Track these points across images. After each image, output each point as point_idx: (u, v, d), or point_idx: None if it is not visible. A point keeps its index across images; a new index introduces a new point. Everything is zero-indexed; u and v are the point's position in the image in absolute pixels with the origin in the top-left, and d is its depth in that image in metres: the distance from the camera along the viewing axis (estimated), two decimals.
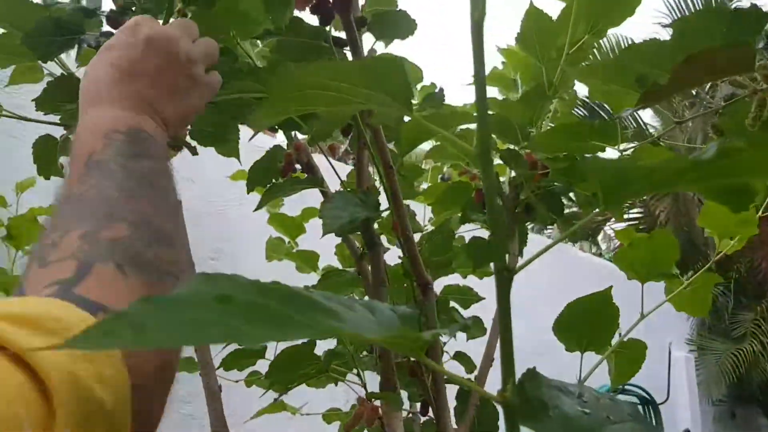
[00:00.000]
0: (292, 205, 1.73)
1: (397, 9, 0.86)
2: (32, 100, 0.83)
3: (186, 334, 0.30)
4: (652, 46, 0.77)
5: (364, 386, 0.79)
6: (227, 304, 0.32)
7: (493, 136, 1.23)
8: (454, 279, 1.46)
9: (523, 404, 0.47)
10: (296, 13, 0.81)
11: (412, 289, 0.87)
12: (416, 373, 0.92)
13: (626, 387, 3.77)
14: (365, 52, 0.95)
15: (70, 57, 0.94)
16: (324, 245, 1.78)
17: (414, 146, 0.82)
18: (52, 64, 0.96)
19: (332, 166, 0.97)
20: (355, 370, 0.89)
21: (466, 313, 1.40)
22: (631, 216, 8.44)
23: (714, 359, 6.67)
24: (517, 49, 1.56)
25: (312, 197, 2.18)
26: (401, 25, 0.86)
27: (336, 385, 1.10)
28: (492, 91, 1.58)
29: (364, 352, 0.89)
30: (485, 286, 1.33)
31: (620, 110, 1.15)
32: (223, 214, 2.14)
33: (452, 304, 1.45)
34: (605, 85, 0.91)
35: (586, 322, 1.00)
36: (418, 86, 1.42)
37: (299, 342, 0.91)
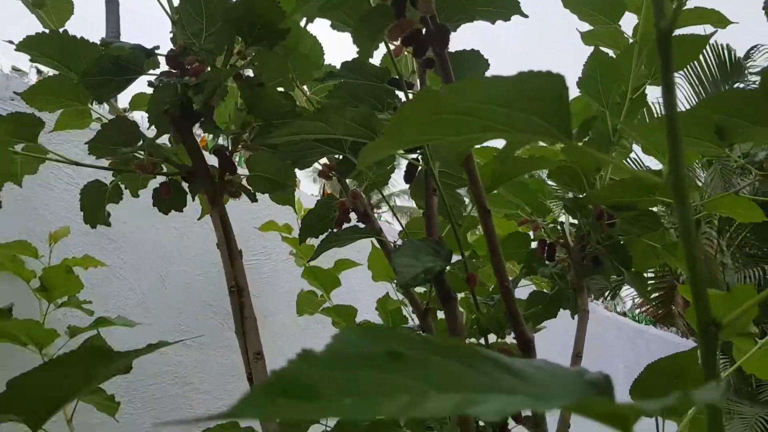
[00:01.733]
0: (323, 257, 1.67)
1: (470, 49, 0.82)
2: (85, 143, 0.78)
3: (368, 401, 0.24)
4: (736, 95, 0.72)
5: None
6: (399, 359, 0.26)
7: (552, 184, 1.18)
8: None
9: None
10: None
11: (487, 344, 0.80)
12: None
13: None
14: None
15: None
16: (359, 301, 1.70)
17: (496, 186, 0.76)
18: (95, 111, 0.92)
19: (393, 213, 0.91)
20: None
21: None
22: (648, 275, 8.30)
23: (742, 425, 6.43)
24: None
25: (343, 249, 2.12)
26: (473, 65, 0.82)
27: None
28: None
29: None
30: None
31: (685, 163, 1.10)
32: (252, 267, 2.07)
33: None
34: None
35: (670, 385, 0.92)
36: None
37: None
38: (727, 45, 7.90)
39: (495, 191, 1.18)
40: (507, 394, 0.25)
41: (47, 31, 0.78)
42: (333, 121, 0.74)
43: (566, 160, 1.07)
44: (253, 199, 0.87)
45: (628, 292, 8.70)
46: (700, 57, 7.96)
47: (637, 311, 7.17)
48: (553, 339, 1.75)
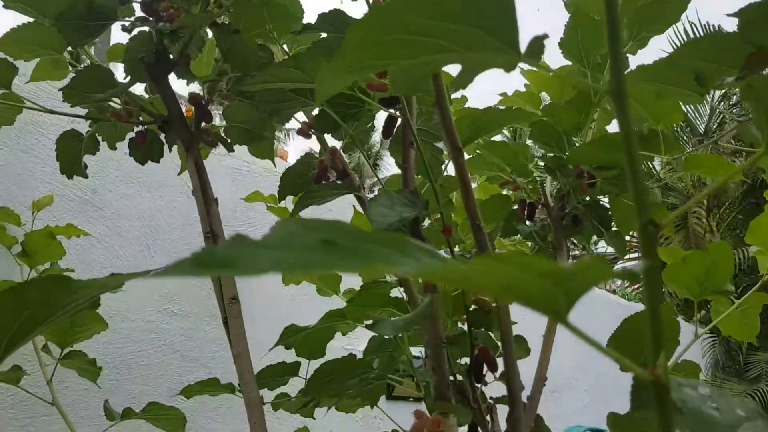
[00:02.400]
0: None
1: None
2: (59, 89, 0.77)
3: (295, 266, 0.24)
4: (714, 40, 0.72)
5: (422, 392, 0.71)
6: (330, 246, 0.27)
7: (533, 144, 1.18)
8: None
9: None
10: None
11: (463, 296, 0.80)
12: (463, 392, 0.84)
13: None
14: None
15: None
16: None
17: (467, 141, 0.76)
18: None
19: (372, 169, 0.91)
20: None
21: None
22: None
23: None
24: (539, 72, 1.52)
25: (328, 216, 2.13)
26: None
27: (372, 407, 1.02)
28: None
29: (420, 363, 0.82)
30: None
31: (668, 121, 1.10)
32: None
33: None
34: (657, 86, 0.85)
35: (643, 337, 0.93)
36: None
37: (339, 357, 0.83)
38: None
39: (477, 153, 1.18)
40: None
41: None
42: (309, 69, 0.74)
43: (546, 119, 1.07)
44: (230, 149, 0.87)
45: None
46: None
47: (628, 289, 7.23)
48: None
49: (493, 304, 0.79)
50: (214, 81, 0.80)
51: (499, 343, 0.86)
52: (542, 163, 1.09)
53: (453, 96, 1.41)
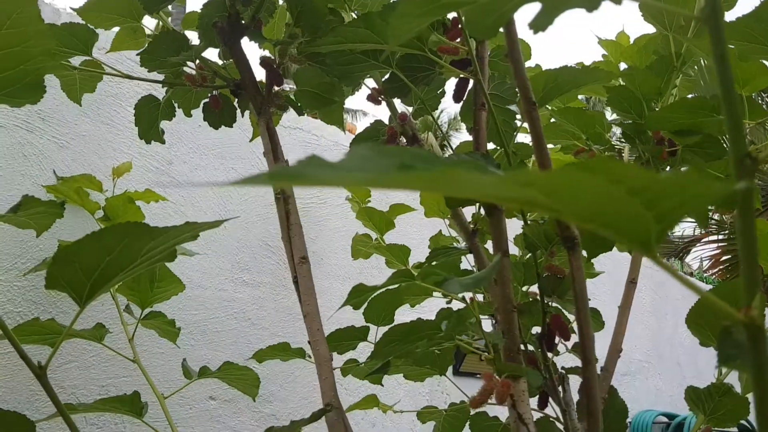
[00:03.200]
0: (377, 201, 1.67)
1: None
2: (137, 54, 0.79)
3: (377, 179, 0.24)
4: None
5: (492, 352, 0.70)
6: (408, 170, 0.26)
7: (612, 112, 1.14)
8: None
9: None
10: None
11: (535, 263, 0.78)
12: (534, 362, 0.82)
13: None
14: None
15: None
16: (413, 245, 1.70)
17: (548, 100, 0.74)
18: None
19: (434, 135, 0.90)
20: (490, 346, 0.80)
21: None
22: (720, 237, 8.06)
23: None
24: (617, 40, 1.46)
25: (400, 194, 2.11)
26: None
27: (441, 375, 1.01)
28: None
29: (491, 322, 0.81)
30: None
31: (754, 86, 1.03)
32: (307, 212, 2.10)
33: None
34: (740, 45, 0.80)
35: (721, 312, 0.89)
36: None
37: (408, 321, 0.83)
38: None
39: (552, 120, 1.15)
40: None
41: None
42: (379, 29, 0.73)
43: (624, 85, 1.03)
44: (300, 113, 0.87)
45: (696, 255, 8.46)
46: None
47: (706, 274, 6.96)
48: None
49: (566, 270, 0.76)
50: (285, 44, 0.80)
51: (571, 316, 0.84)
52: (621, 130, 1.05)
53: (527, 65, 1.38)
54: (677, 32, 1.05)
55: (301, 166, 0.24)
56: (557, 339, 0.79)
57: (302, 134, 2.10)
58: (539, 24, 0.43)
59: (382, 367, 0.94)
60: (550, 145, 1.32)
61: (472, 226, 0.88)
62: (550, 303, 0.80)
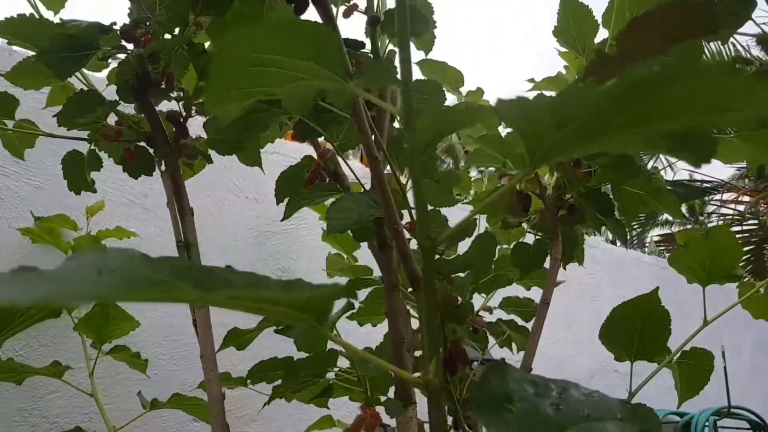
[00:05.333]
0: None
1: (412, 6, 0.83)
2: (53, 116, 0.86)
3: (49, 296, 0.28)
4: None
5: (366, 392, 0.75)
6: (105, 275, 0.31)
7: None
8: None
9: (483, 396, 0.43)
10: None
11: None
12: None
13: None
14: (384, 54, 0.93)
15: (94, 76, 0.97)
16: None
17: (431, 143, 0.78)
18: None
19: (354, 174, 0.95)
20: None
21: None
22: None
23: None
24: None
25: None
26: (415, 23, 0.84)
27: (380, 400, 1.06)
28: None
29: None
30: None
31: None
32: (289, 232, 2.16)
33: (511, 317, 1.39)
34: None
35: (634, 328, 0.92)
36: (463, 91, 1.39)
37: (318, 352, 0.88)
38: None
39: (477, 146, 1.19)
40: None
41: (18, 14, 0.86)
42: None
43: None
44: (209, 161, 0.93)
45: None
46: None
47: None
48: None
49: (459, 298, 0.81)
50: (190, 99, 0.86)
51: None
52: None
53: (466, 90, 1.42)
54: (589, 56, 1.08)
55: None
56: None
57: (280, 158, 2.16)
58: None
59: (324, 392, 0.99)
60: (473, 173, 1.36)
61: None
62: (453, 330, 0.84)
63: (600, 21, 1.13)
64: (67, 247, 1.49)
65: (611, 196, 1.10)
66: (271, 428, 1.92)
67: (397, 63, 0.54)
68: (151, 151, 0.91)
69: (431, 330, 0.35)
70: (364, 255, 1.73)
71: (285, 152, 2.18)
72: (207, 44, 0.92)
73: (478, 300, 1.36)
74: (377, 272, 1.64)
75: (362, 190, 1.05)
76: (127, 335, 1.33)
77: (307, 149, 2.19)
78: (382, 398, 1.01)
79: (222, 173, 1.95)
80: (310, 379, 0.77)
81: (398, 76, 0.41)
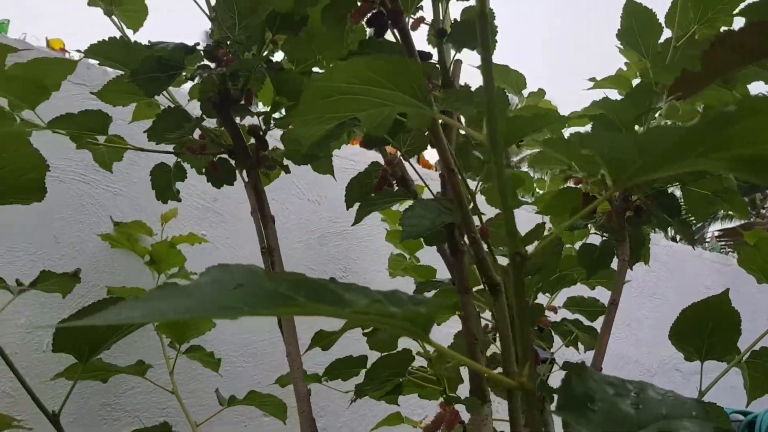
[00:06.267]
0: None
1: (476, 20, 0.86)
2: (143, 132, 0.92)
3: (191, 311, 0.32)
4: None
5: (444, 392, 0.78)
6: (240, 289, 0.34)
7: None
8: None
9: (567, 397, 0.46)
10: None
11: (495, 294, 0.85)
12: None
13: None
14: (449, 62, 0.96)
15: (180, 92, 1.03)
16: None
17: (508, 145, 0.81)
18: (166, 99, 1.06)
19: (421, 177, 0.98)
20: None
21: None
22: None
23: None
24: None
25: None
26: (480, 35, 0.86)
27: (443, 396, 1.09)
28: (612, 94, 1.52)
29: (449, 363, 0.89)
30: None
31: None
32: (350, 233, 2.21)
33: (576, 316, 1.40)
34: None
35: (704, 329, 0.93)
36: (525, 92, 1.40)
37: (394, 351, 0.92)
38: None
39: (542, 149, 1.20)
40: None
41: (109, 37, 0.92)
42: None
43: (604, 114, 1.08)
44: (287, 171, 0.97)
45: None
46: None
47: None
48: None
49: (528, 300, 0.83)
50: (268, 113, 0.91)
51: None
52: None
53: (528, 92, 1.44)
54: (655, 60, 1.09)
55: (155, 293, 0.33)
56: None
57: (339, 161, 2.21)
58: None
59: (395, 390, 1.03)
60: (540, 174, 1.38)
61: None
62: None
63: (663, 22, 1.13)
64: (144, 252, 1.57)
65: (677, 196, 1.10)
66: (338, 423, 1.98)
67: (459, 77, 0.57)
68: (232, 162, 0.96)
69: (524, 336, 0.38)
70: (426, 255, 1.77)
71: (344, 156, 2.23)
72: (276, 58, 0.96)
73: (541, 299, 1.38)
74: (441, 273, 1.68)
75: (424, 191, 1.09)
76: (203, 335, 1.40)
77: (363, 152, 2.23)
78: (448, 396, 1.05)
79: (285, 177, 2.00)
80: (393, 378, 0.82)
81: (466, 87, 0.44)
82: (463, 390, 1.08)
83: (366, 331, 0.89)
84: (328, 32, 0.76)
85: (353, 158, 2.27)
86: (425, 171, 1.53)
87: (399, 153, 1.06)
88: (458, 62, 0.99)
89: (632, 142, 0.32)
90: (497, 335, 0.99)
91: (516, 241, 0.38)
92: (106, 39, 0.92)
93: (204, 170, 0.99)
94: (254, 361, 1.86)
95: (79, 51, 0.91)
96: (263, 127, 0.92)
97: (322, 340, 0.92)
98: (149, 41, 0.89)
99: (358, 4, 0.66)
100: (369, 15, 0.68)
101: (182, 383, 1.64)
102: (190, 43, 0.91)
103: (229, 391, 1.68)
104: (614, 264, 1.16)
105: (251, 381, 1.81)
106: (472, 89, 0.78)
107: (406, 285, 2.06)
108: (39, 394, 1.49)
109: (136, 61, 0.91)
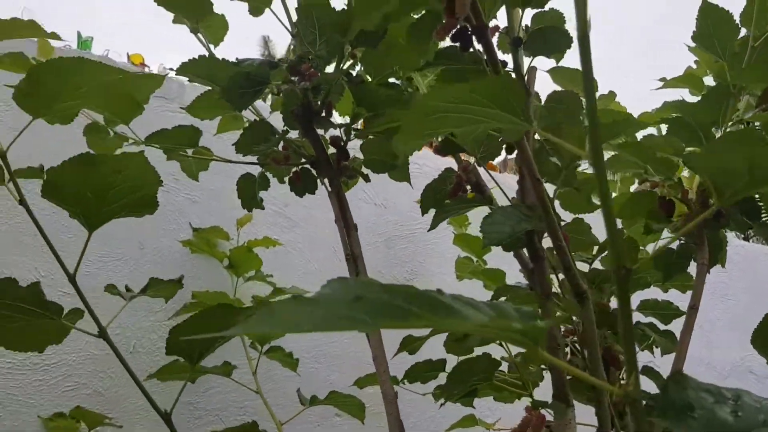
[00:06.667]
0: (477, 223, 1.77)
1: (552, 25, 0.87)
2: (232, 144, 0.96)
3: (325, 324, 0.35)
4: None
5: (531, 396, 0.80)
6: (360, 302, 0.37)
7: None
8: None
9: (666, 405, 0.47)
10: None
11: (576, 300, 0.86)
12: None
13: None
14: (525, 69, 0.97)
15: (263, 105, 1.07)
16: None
17: (574, 157, 0.82)
18: (250, 112, 1.11)
19: (497, 184, 1.00)
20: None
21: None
22: None
23: None
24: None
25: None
26: (555, 41, 0.88)
27: (519, 399, 1.11)
28: (682, 93, 1.50)
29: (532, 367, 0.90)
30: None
31: None
32: (416, 236, 2.24)
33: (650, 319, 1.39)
34: None
35: None
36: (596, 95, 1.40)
37: (474, 355, 0.94)
38: None
39: (614, 153, 1.20)
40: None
41: (199, 55, 0.97)
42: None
43: (680, 116, 1.07)
44: (367, 180, 1.01)
45: None
46: None
47: None
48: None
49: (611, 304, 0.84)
50: (349, 125, 0.94)
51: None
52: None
53: (600, 93, 1.44)
54: (732, 61, 1.08)
55: (281, 305, 0.36)
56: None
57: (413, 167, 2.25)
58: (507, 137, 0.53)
59: (471, 392, 1.05)
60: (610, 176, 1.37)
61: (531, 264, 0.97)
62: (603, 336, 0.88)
63: (738, 21, 1.12)
64: (222, 257, 1.64)
65: (757, 198, 1.09)
66: (408, 423, 2.01)
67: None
68: (314, 171, 1.00)
69: (629, 346, 0.39)
70: (492, 258, 1.78)
71: (411, 159, 2.27)
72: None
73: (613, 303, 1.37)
74: (511, 277, 1.68)
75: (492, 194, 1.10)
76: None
77: (427, 155, 2.25)
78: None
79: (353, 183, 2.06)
80: (480, 383, 0.84)
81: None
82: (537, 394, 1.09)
83: (452, 340, 0.91)
84: (409, 45, 0.78)
85: (417, 162, 2.30)
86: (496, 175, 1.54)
87: (473, 159, 1.08)
88: (533, 69, 1.00)
89: (743, 160, 0.33)
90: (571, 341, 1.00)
91: (622, 255, 0.40)
92: (195, 57, 0.97)
93: (288, 180, 1.03)
94: (326, 362, 1.91)
95: (172, 68, 0.96)
96: (344, 138, 0.96)
97: (410, 344, 0.95)
98: (236, 58, 0.94)
99: (443, 21, 0.69)
100: (453, 31, 0.70)
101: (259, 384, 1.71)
102: (254, 54, 0.95)
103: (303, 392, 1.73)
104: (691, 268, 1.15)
105: (324, 382, 1.86)
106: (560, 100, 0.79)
107: (472, 288, 2.08)
108: (125, 392, 1.57)
109: (221, 76, 0.96)
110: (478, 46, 0.72)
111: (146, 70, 1.91)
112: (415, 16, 0.75)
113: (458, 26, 0.70)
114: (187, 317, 0.68)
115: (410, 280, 2.21)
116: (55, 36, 0.79)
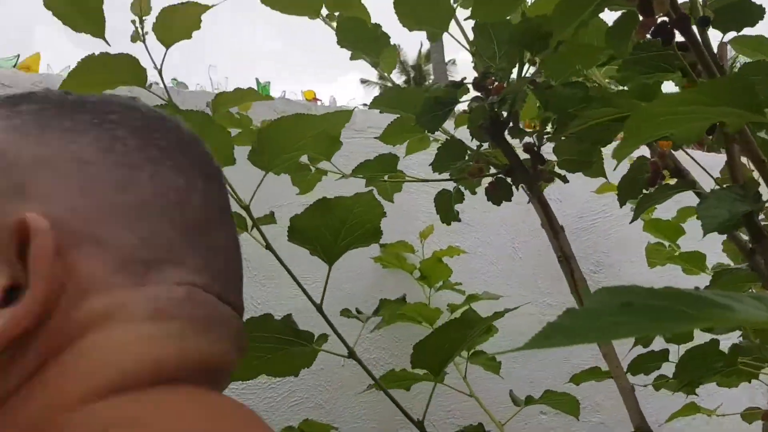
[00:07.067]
0: (663, 208, 1.71)
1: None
2: (429, 165, 1.02)
3: (603, 333, 0.38)
4: None
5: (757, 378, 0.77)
6: (629, 308, 0.40)
7: None
8: None
9: None
10: None
11: None
12: None
13: None
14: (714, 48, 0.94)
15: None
16: (708, 244, 1.71)
17: None
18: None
19: (700, 166, 0.97)
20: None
21: None
22: None
23: None
24: None
25: (685, 197, 2.12)
26: (745, 15, 0.85)
27: (750, 382, 1.06)
28: None
29: None
30: None
31: None
32: (595, 227, 2.19)
33: None
34: None
35: None
36: None
37: (702, 342, 0.92)
38: None
39: None
40: None
41: (386, 88, 1.04)
42: (619, 105, 0.86)
43: None
44: (565, 181, 1.02)
45: None
46: None
47: None
48: None
49: None
50: (540, 130, 0.96)
51: None
52: None
53: None
54: None
55: (563, 320, 0.40)
56: None
57: None
58: None
59: (690, 383, 1.03)
60: None
61: (749, 245, 0.94)
62: None
63: None
64: (411, 269, 1.71)
65: None
66: (620, 416, 1.97)
67: None
68: (508, 180, 1.03)
69: None
70: (686, 241, 1.70)
71: None
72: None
73: None
74: (710, 258, 1.60)
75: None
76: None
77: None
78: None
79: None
80: (722, 370, 0.82)
81: None
82: None
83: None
84: (607, 45, 0.79)
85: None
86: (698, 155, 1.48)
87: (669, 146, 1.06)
88: (723, 45, 0.97)
89: None
90: None
91: None
92: (384, 90, 1.04)
93: (485, 190, 1.07)
94: (523, 360, 1.93)
95: (365, 105, 1.04)
96: (536, 143, 0.98)
97: (643, 337, 0.95)
98: (425, 85, 0.99)
99: (640, 19, 0.70)
100: (653, 27, 0.71)
101: (461, 387, 1.76)
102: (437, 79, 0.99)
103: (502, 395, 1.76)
104: None
105: (522, 380, 1.88)
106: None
107: (668, 274, 1.99)
108: (342, 402, 1.69)
109: (409, 104, 1.02)
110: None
111: (318, 104, 2.04)
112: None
113: (658, 22, 0.70)
114: (429, 334, 0.74)
115: (596, 272, 2.17)
116: (269, 97, 0.89)
